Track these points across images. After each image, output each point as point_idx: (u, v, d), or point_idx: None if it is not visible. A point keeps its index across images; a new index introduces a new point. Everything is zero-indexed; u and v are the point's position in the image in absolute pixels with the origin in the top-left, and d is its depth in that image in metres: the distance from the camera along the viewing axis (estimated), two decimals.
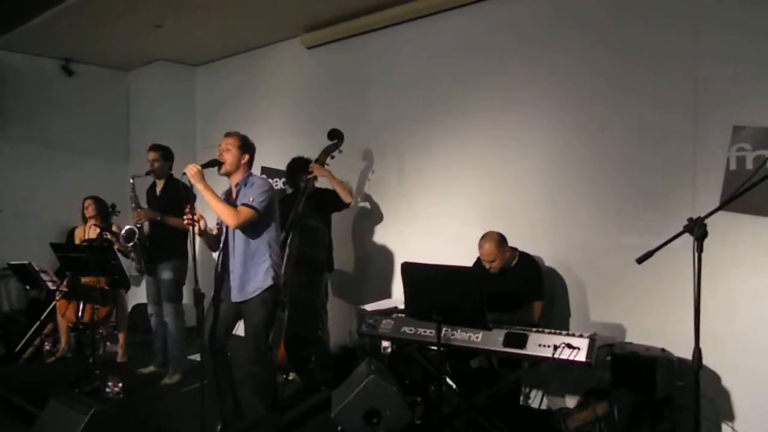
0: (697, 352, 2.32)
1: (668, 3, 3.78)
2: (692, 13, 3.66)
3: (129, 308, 6.18)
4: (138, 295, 6.31)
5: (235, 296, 3.50)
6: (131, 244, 4.73)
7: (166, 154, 4.93)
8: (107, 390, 4.45)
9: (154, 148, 4.92)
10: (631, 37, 3.92)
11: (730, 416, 3.48)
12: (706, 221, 2.30)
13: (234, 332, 3.67)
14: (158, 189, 4.97)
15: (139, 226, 4.76)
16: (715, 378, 3.47)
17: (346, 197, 4.74)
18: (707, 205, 2.57)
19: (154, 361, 5.14)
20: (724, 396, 3.49)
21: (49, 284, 5.16)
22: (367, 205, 5.47)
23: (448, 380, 3.77)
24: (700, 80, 3.63)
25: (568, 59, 4.20)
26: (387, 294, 5.09)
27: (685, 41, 3.68)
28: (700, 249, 2.28)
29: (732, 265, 3.42)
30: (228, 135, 3.58)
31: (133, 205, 4.79)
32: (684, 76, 3.68)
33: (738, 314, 3.42)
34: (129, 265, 4.96)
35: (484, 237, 3.90)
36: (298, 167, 4.83)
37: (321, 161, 4.74)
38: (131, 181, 4.83)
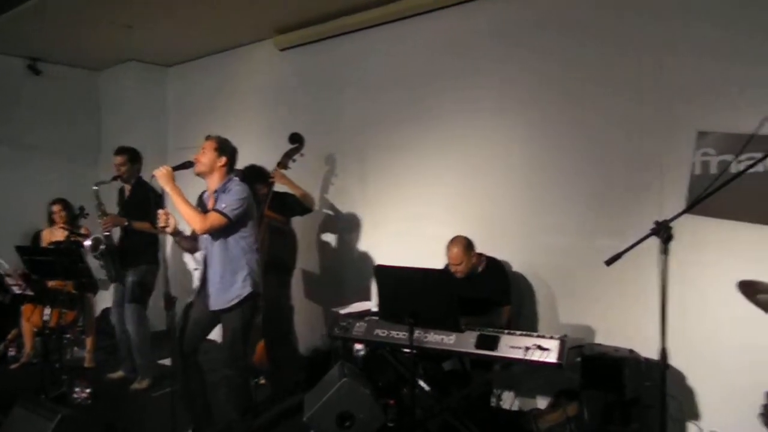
0: (663, 352, 2.37)
1: (634, 21, 3.86)
2: (656, 30, 3.75)
3: (97, 312, 6.07)
4: (107, 298, 6.18)
5: (213, 304, 3.46)
6: (98, 253, 4.64)
7: (132, 157, 4.84)
8: (74, 396, 4.37)
9: (121, 151, 4.83)
10: (599, 54, 3.99)
11: (695, 415, 3.56)
12: (672, 224, 2.35)
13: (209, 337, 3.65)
14: (127, 193, 4.89)
15: (107, 233, 4.67)
16: (680, 377, 3.55)
17: (310, 203, 4.78)
18: (674, 209, 2.62)
19: (123, 366, 5.05)
20: (690, 395, 3.57)
21: (15, 288, 5.04)
22: (331, 209, 5.48)
23: (421, 382, 3.78)
24: (662, 90, 3.72)
25: (538, 74, 4.26)
26: (366, 296, 5.08)
27: (650, 55, 3.76)
28: (666, 251, 2.33)
29: (697, 266, 3.49)
30: (207, 138, 3.53)
31: (99, 213, 4.68)
32: (648, 87, 3.77)
33: (702, 314, 3.50)
34: (97, 269, 4.88)
35: (451, 241, 3.95)
36: (254, 176, 4.61)
37: (283, 165, 4.73)
38: (95, 188, 4.68)
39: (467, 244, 3.92)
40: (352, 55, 5.40)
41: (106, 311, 6.38)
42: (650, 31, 3.78)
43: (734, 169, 3.13)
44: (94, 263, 4.72)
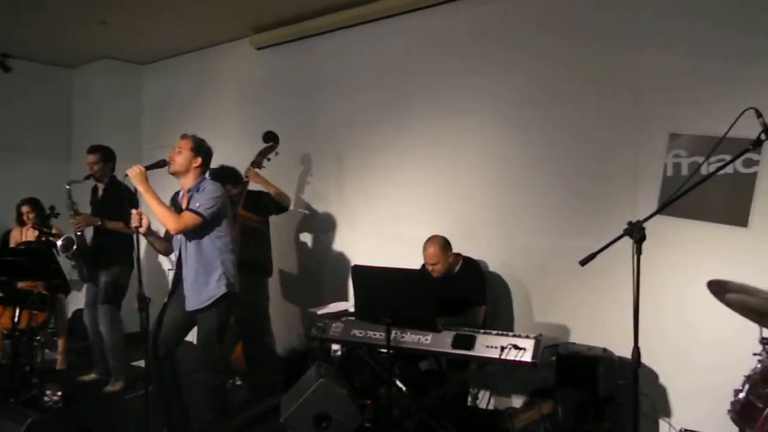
0: (636, 350, 2.40)
1: (612, 23, 3.91)
2: (634, 32, 3.80)
3: (69, 313, 5.96)
4: (79, 299, 6.08)
5: (189, 305, 3.41)
6: (70, 253, 4.56)
7: (106, 156, 4.77)
8: (46, 399, 4.28)
9: (94, 150, 4.76)
10: (578, 54, 4.04)
11: (667, 412, 3.62)
12: (645, 225, 2.39)
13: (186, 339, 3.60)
14: (100, 192, 4.82)
15: (79, 233, 4.60)
16: (653, 376, 3.61)
17: (285, 201, 4.75)
18: (648, 210, 2.66)
19: (96, 368, 4.97)
20: (662, 393, 3.63)
21: None
22: (307, 209, 5.47)
23: (398, 382, 3.79)
24: (639, 92, 3.77)
25: (516, 75, 4.30)
26: (343, 297, 5.08)
27: (628, 57, 3.82)
28: (639, 251, 2.37)
29: (669, 266, 3.56)
30: (182, 137, 3.48)
31: (71, 212, 4.61)
32: (625, 89, 3.82)
33: (674, 313, 3.56)
34: (70, 269, 4.79)
35: (428, 240, 3.96)
36: (224, 177, 4.51)
37: (258, 164, 4.71)
38: (67, 187, 4.60)
39: (444, 243, 3.93)
40: (330, 54, 5.38)
41: (78, 312, 6.28)
42: (629, 29, 3.84)
43: (705, 170, 3.19)
44: (66, 263, 4.63)
